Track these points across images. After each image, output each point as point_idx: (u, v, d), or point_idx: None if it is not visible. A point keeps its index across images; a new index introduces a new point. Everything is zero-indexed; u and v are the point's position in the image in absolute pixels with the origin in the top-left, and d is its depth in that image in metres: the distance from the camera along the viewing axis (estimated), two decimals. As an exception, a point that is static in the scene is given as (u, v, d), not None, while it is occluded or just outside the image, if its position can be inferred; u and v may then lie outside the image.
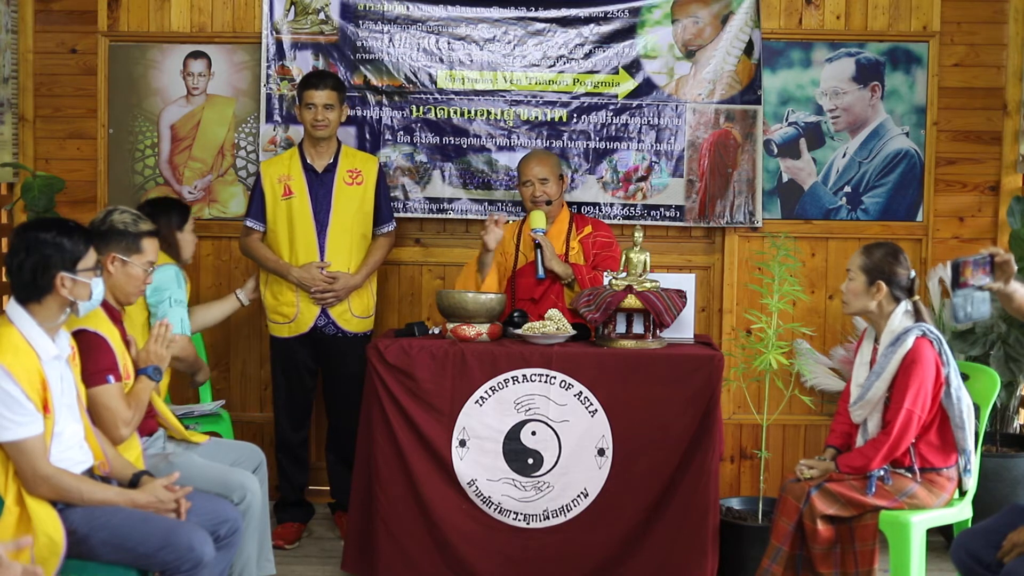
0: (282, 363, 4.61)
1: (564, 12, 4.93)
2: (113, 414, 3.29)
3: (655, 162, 4.96)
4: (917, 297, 3.69)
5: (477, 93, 4.96)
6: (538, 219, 4.36)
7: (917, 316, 3.66)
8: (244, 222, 4.59)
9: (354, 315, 4.55)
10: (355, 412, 4.22)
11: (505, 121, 4.97)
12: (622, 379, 3.95)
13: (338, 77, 4.60)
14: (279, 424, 4.67)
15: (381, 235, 4.63)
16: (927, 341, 3.60)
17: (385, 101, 4.96)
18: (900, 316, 3.65)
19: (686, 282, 4.23)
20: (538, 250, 4.28)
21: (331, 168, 4.53)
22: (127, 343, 3.48)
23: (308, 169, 4.52)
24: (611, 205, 4.97)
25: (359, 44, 4.95)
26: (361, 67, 4.95)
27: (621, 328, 4.07)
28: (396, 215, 4.87)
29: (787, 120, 4.97)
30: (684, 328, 4.20)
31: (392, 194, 4.92)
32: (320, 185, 4.51)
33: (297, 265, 4.47)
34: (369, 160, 4.65)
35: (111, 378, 3.31)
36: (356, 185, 4.54)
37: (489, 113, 4.97)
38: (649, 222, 4.96)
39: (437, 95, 4.97)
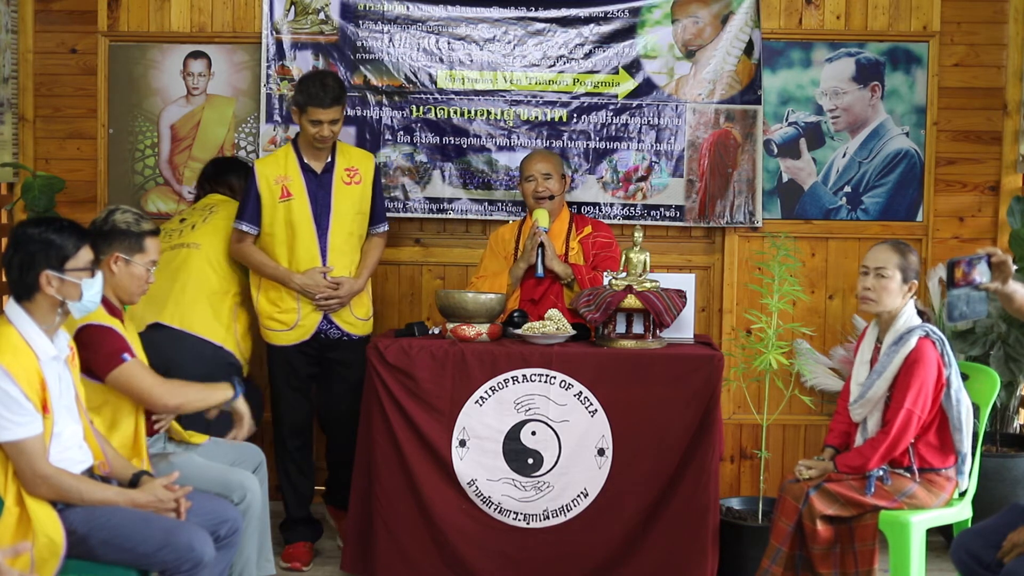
0: (285, 375, 4.37)
1: (564, 12, 4.92)
2: (142, 385, 3.30)
3: (655, 162, 4.95)
4: (917, 297, 3.71)
5: (477, 93, 4.96)
6: (542, 217, 4.36)
7: (920, 314, 3.66)
8: (237, 226, 4.28)
9: (357, 318, 4.38)
10: (354, 422, 4.13)
11: (505, 121, 4.97)
12: (622, 379, 3.95)
13: (339, 81, 4.31)
14: (280, 436, 4.42)
15: (376, 235, 4.46)
16: (930, 342, 3.60)
17: (385, 101, 4.96)
18: (907, 315, 3.65)
19: (686, 282, 4.24)
20: (540, 249, 4.28)
21: (329, 168, 4.33)
22: None
23: (306, 169, 4.31)
24: (611, 205, 4.97)
25: (359, 44, 4.95)
26: (361, 67, 4.95)
27: (621, 328, 4.07)
28: (396, 215, 4.89)
29: (787, 120, 4.97)
30: (684, 328, 4.20)
31: (392, 194, 4.91)
32: (319, 186, 4.30)
33: (298, 271, 4.28)
34: (365, 157, 4.46)
35: (127, 356, 3.31)
36: (354, 184, 4.35)
37: (489, 113, 4.97)
38: (649, 222, 4.96)
39: (437, 95, 4.96)
